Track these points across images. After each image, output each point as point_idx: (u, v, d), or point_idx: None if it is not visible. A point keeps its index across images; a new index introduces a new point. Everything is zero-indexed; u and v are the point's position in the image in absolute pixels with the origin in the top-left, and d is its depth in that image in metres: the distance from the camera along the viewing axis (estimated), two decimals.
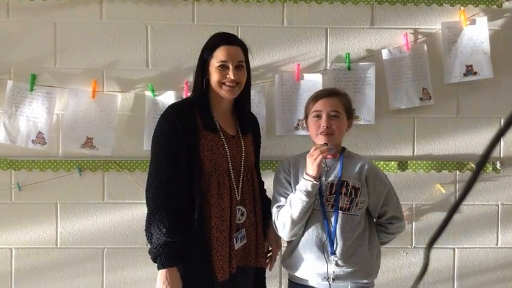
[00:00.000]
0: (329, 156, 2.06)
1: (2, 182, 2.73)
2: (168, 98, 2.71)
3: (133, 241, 2.79)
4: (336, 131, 2.04)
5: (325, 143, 2.00)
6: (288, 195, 2.08)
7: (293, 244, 2.11)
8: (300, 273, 2.09)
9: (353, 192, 2.04)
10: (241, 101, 2.17)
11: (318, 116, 2.06)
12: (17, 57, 2.71)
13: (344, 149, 2.15)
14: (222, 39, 2.08)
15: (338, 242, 2.01)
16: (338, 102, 2.08)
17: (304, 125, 2.74)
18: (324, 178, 2.05)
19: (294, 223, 2.02)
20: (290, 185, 2.11)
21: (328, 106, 2.06)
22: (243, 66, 2.07)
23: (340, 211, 2.02)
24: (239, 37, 2.17)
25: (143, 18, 2.74)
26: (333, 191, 2.04)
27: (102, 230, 2.78)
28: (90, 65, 2.73)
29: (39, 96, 2.69)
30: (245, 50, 2.12)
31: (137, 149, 2.73)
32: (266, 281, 2.27)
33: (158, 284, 1.99)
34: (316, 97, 2.11)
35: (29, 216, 2.76)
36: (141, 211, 2.75)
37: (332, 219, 2.02)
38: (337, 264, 2.02)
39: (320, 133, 2.04)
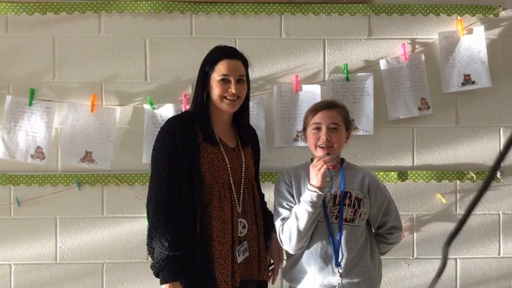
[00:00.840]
0: (330, 167, 2.06)
1: (1, 197, 2.71)
2: (167, 111, 2.71)
3: (132, 255, 2.77)
4: (335, 143, 2.04)
5: (327, 153, 1.99)
6: (291, 207, 2.06)
7: (296, 257, 2.09)
8: (303, 285, 2.07)
9: (356, 203, 2.04)
10: (240, 114, 2.16)
11: (318, 129, 2.06)
12: (16, 71, 2.71)
13: (343, 160, 2.15)
14: (223, 53, 2.09)
15: (343, 253, 2.01)
16: (337, 114, 2.08)
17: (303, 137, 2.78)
18: (326, 189, 2.03)
19: (300, 235, 1.99)
20: (293, 197, 2.09)
21: (327, 118, 2.06)
22: (243, 80, 2.08)
23: (344, 222, 2.02)
24: (238, 50, 2.17)
25: (141, 31, 2.75)
26: (336, 203, 2.03)
27: (101, 244, 2.76)
28: (89, 79, 2.73)
29: (38, 110, 2.69)
30: (246, 63, 2.13)
31: (136, 162, 2.73)
32: None
33: None
34: (315, 109, 2.11)
35: (28, 231, 2.74)
36: (141, 225, 2.75)
37: (337, 230, 2.02)
38: (341, 276, 2.00)
39: (319, 146, 2.04)
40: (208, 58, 2.11)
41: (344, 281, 2.00)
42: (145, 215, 2.67)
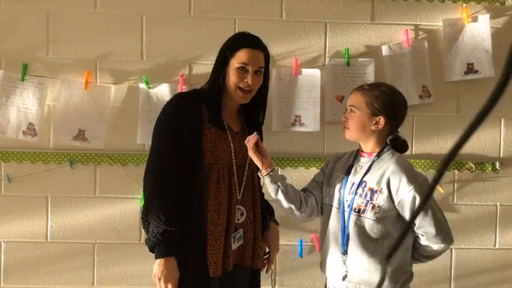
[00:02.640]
0: (364, 155, 2.03)
1: None
2: (163, 91, 2.66)
3: (124, 236, 2.74)
4: (350, 126, 2.00)
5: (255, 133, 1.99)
6: (316, 182, 2.14)
7: (322, 247, 2.10)
8: (327, 273, 2.08)
9: (369, 194, 1.95)
10: (252, 101, 2.11)
11: (346, 110, 2.06)
12: (9, 46, 2.64)
13: (382, 149, 2.01)
14: (247, 41, 2.05)
15: (350, 242, 1.97)
16: (361, 97, 1.99)
17: (302, 121, 2.74)
18: (350, 176, 2.02)
19: (283, 207, 2.04)
20: (324, 174, 2.14)
21: (349, 100, 2.04)
22: (261, 72, 2.05)
23: (353, 212, 1.97)
24: (262, 41, 2.10)
25: (138, 8, 2.68)
26: (351, 191, 1.99)
27: (93, 224, 2.73)
28: (83, 56, 2.67)
29: (30, 86, 2.62)
30: (267, 56, 2.09)
31: (130, 142, 2.68)
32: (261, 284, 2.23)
33: (155, 274, 1.95)
34: (353, 89, 2.08)
35: (19, 209, 2.70)
36: (133, 206, 2.72)
37: (346, 218, 1.98)
38: (345, 265, 1.98)
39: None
40: (231, 43, 2.06)
41: (349, 270, 1.98)
42: (138, 196, 2.68)
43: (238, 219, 2.06)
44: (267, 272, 2.23)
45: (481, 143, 2.83)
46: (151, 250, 1.98)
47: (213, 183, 2.00)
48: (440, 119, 2.79)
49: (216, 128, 2.03)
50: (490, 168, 2.82)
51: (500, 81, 0.54)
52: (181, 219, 1.95)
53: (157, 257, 1.95)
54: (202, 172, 2.00)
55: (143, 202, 2.02)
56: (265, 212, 2.20)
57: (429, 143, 2.82)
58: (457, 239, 2.82)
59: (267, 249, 2.23)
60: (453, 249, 2.85)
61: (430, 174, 2.78)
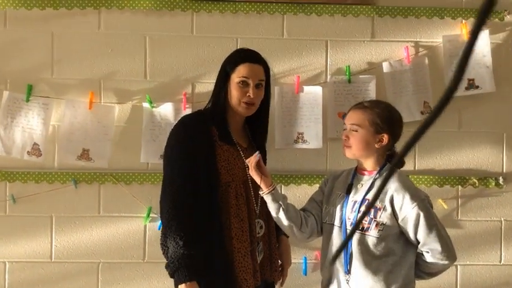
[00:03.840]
0: (365, 173, 2.02)
1: None
2: (166, 110, 2.68)
3: (129, 255, 2.73)
4: (353, 144, 1.99)
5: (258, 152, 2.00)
6: (315, 201, 2.13)
7: (322, 264, 2.09)
8: None
9: (372, 212, 1.94)
10: (255, 116, 2.14)
11: (345, 128, 2.05)
12: (14, 67, 2.68)
13: (382, 167, 2.01)
14: (246, 55, 2.09)
15: (353, 261, 1.96)
16: (362, 115, 1.99)
17: (305, 138, 2.75)
18: (351, 194, 2.01)
19: (283, 227, 2.05)
20: (323, 194, 2.13)
21: (349, 119, 2.03)
22: (262, 85, 2.08)
23: (357, 231, 1.96)
24: (261, 55, 2.13)
25: (141, 28, 2.71)
26: (353, 209, 1.99)
27: (97, 243, 2.73)
28: (87, 76, 2.70)
29: (35, 107, 2.65)
30: (267, 69, 2.12)
31: (134, 161, 2.69)
32: None
33: None
34: (351, 107, 2.08)
35: (24, 229, 2.70)
36: (137, 225, 2.72)
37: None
38: (348, 284, 1.97)
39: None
40: (231, 59, 2.10)
41: None
42: (143, 214, 2.69)
43: (259, 233, 2.08)
44: (281, 285, 2.24)
45: (483, 158, 2.83)
46: (172, 276, 1.95)
47: (232, 201, 2.01)
48: (443, 134, 2.80)
49: (227, 146, 2.05)
50: (493, 184, 2.81)
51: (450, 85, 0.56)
52: (203, 241, 1.93)
53: (178, 283, 1.92)
54: (220, 191, 2.00)
55: (161, 227, 2.00)
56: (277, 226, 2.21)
57: (432, 158, 2.82)
58: (462, 255, 2.82)
59: (280, 263, 2.23)
60: (458, 266, 2.83)
61: (433, 190, 2.78)
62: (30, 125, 2.65)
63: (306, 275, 2.76)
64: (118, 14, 2.70)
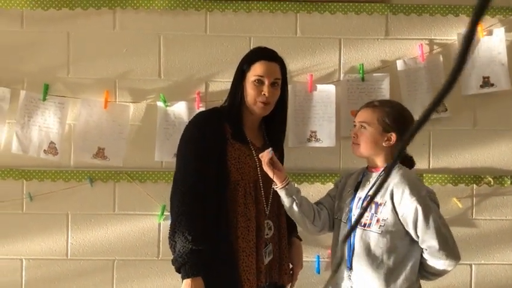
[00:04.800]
0: (373, 170, 2.03)
1: (13, 192, 2.71)
2: (180, 109, 2.70)
3: (143, 253, 2.76)
4: (361, 142, 2.00)
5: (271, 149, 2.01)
6: (330, 196, 2.17)
7: (332, 261, 2.12)
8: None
9: (374, 208, 1.94)
10: (271, 116, 2.13)
11: (355, 126, 2.06)
12: (30, 67, 2.72)
13: (391, 165, 1.95)
14: (262, 54, 2.09)
15: (354, 257, 1.96)
16: (371, 113, 2.00)
17: (318, 137, 2.75)
18: (359, 191, 2.02)
19: (296, 221, 2.11)
20: (337, 188, 2.17)
21: (359, 117, 2.04)
22: (278, 84, 2.07)
23: (359, 226, 1.96)
24: (278, 53, 2.13)
25: (156, 28, 2.73)
26: (357, 205, 2.00)
27: (112, 241, 2.76)
28: (103, 75, 2.73)
29: (51, 106, 2.69)
30: (284, 68, 2.12)
31: (149, 159, 2.72)
32: None
33: None
34: (362, 106, 2.09)
35: (40, 226, 2.74)
36: (152, 223, 2.74)
37: (353, 233, 1.97)
38: (351, 279, 1.97)
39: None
40: (247, 58, 2.10)
41: (353, 287, 1.97)
42: (157, 212, 2.71)
43: (267, 234, 2.07)
44: None
45: (499, 156, 2.81)
46: (178, 270, 1.96)
47: (240, 200, 2.01)
48: (457, 132, 2.78)
49: (239, 145, 2.05)
50: (508, 182, 2.79)
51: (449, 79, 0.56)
52: (209, 238, 1.94)
53: (184, 278, 1.93)
54: (229, 189, 2.01)
55: (170, 222, 2.00)
56: (289, 228, 2.20)
57: (446, 157, 2.80)
58: (477, 254, 2.80)
59: (290, 266, 2.22)
60: (473, 265, 2.81)
61: (448, 188, 2.77)
62: (47, 124, 2.69)
63: (319, 273, 2.76)
64: (133, 14, 2.72)
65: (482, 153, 2.81)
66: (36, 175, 2.71)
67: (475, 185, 2.80)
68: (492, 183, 2.78)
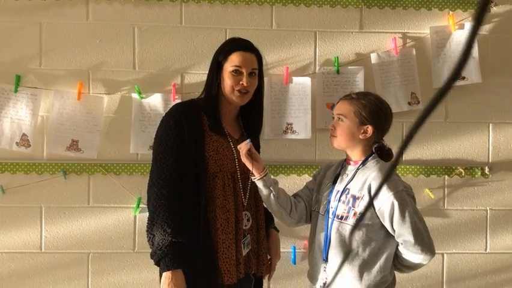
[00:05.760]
0: (351, 163, 2.04)
1: None
2: (155, 100, 2.68)
3: (119, 246, 2.75)
4: (338, 134, 2.01)
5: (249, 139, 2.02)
6: (308, 188, 2.18)
7: (310, 252, 2.11)
8: (313, 281, 2.08)
9: (351, 201, 1.95)
10: (248, 106, 2.14)
11: (333, 118, 2.06)
12: (1, 57, 2.67)
13: (367, 158, 2.01)
14: (238, 44, 2.08)
15: (330, 249, 1.97)
16: (348, 106, 2.00)
17: (294, 129, 2.77)
18: (337, 184, 2.04)
19: (272, 212, 2.13)
20: (315, 180, 2.17)
21: (336, 109, 2.04)
22: (255, 73, 2.07)
23: (336, 219, 1.97)
24: (253, 44, 2.12)
25: (130, 19, 2.71)
26: (335, 198, 2.01)
27: (87, 234, 2.74)
28: (76, 67, 2.69)
29: (23, 97, 2.65)
30: (260, 58, 2.11)
31: (124, 152, 2.70)
32: None
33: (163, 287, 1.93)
34: (340, 98, 2.08)
35: (13, 220, 2.71)
36: (127, 215, 2.73)
37: (329, 225, 1.99)
38: (326, 272, 1.99)
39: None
40: (222, 48, 2.09)
41: (327, 279, 1.99)
42: (132, 205, 2.70)
43: (246, 225, 2.07)
44: (269, 279, 2.25)
45: (470, 148, 2.87)
46: (157, 263, 1.95)
47: (219, 191, 2.00)
48: (429, 125, 2.83)
49: (217, 136, 2.04)
50: (479, 173, 2.86)
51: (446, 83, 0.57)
52: (188, 230, 1.93)
53: (163, 270, 1.92)
54: (207, 181, 2.00)
55: (148, 215, 1.99)
56: (266, 219, 2.21)
57: (419, 149, 2.85)
58: (448, 243, 2.86)
59: (268, 256, 2.23)
60: (444, 254, 2.88)
61: (420, 179, 2.82)
62: (19, 116, 2.64)
63: (295, 264, 2.79)
64: (106, 5, 2.69)
65: (453, 145, 2.87)
66: (9, 168, 2.67)
67: (446, 176, 2.85)
68: (463, 174, 2.85)
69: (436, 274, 2.88)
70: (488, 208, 2.89)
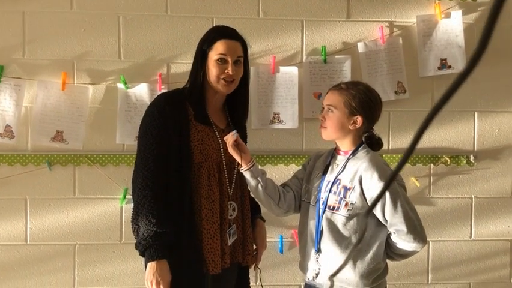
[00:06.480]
0: (341, 153, 2.04)
1: None
2: (141, 90, 2.66)
3: (105, 237, 2.73)
4: (328, 125, 2.00)
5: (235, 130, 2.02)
6: (297, 178, 2.17)
7: (300, 244, 2.12)
8: (305, 271, 2.09)
9: (342, 192, 1.96)
10: (233, 95, 2.12)
11: (323, 109, 2.04)
12: None
13: (357, 148, 2.01)
14: (222, 32, 2.05)
15: (322, 239, 1.98)
16: (338, 96, 1.99)
17: (281, 118, 2.76)
18: (327, 174, 2.03)
19: (260, 202, 2.14)
20: (305, 170, 2.16)
21: (326, 100, 2.03)
22: (241, 62, 2.05)
23: (327, 209, 1.98)
24: (238, 31, 2.09)
25: (114, 8, 2.67)
26: (326, 189, 2.01)
27: (73, 225, 2.72)
28: (60, 56, 2.65)
29: (7, 88, 2.60)
30: (245, 46, 2.09)
31: (109, 142, 2.67)
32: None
33: (147, 277, 1.91)
34: (330, 88, 2.06)
35: None
36: (114, 206, 2.71)
37: (320, 216, 1.99)
38: (318, 262, 2.00)
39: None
40: (207, 37, 2.06)
41: (321, 269, 2.00)
42: (119, 196, 2.68)
43: (231, 215, 2.07)
44: (254, 269, 2.25)
45: (455, 137, 2.90)
46: (142, 254, 1.94)
47: (204, 181, 1.99)
48: (416, 114, 2.84)
49: (202, 126, 2.03)
50: (464, 162, 2.88)
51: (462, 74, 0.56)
52: (173, 220, 1.93)
53: (148, 261, 1.91)
54: (192, 171, 1.99)
55: (133, 206, 1.98)
56: (252, 209, 2.20)
57: (405, 138, 2.87)
58: (434, 231, 2.90)
59: (254, 246, 2.23)
60: (430, 242, 2.90)
61: (406, 168, 2.84)
62: (2, 107, 2.60)
63: (282, 253, 2.80)
64: None
65: (439, 134, 2.89)
66: None
67: (432, 164, 2.88)
68: (448, 163, 2.87)
69: (422, 261, 2.91)
70: (473, 196, 2.93)
